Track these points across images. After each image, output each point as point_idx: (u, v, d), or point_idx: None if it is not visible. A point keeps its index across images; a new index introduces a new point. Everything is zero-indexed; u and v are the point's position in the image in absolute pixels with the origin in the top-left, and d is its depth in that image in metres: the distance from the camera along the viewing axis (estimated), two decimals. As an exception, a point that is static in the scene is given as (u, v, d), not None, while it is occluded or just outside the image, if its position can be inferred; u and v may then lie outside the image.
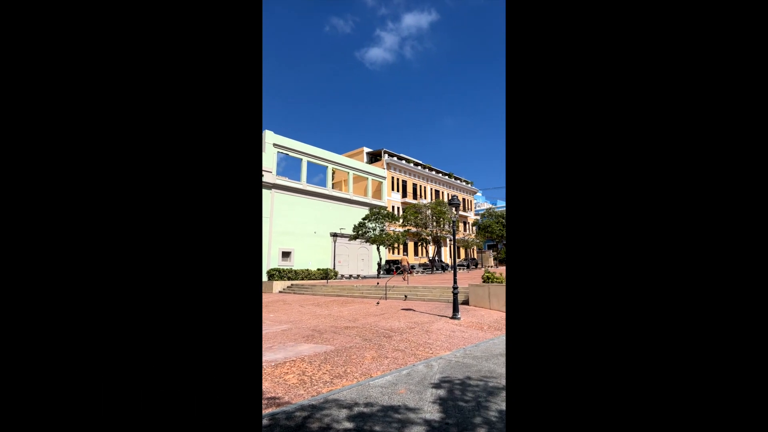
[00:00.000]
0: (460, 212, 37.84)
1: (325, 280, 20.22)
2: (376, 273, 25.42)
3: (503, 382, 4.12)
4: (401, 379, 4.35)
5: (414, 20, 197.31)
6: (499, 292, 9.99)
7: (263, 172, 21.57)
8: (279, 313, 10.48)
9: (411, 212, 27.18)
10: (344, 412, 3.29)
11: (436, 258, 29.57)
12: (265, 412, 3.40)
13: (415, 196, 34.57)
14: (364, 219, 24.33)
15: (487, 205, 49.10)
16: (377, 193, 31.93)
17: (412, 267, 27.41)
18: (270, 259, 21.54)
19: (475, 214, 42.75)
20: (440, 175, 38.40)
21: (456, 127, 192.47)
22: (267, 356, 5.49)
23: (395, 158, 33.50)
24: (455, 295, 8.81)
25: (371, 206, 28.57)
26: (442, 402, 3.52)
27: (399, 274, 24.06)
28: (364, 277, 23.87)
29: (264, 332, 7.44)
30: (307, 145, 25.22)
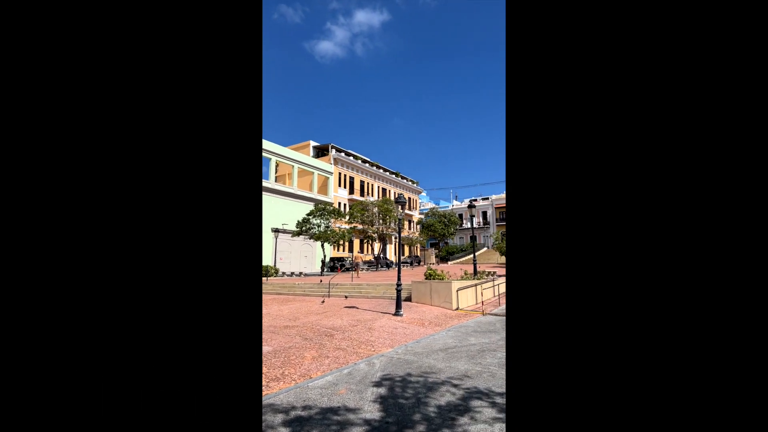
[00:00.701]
0: (406, 211, 38.68)
1: (264, 278, 19.30)
2: (319, 270, 24.89)
3: (442, 377, 4.21)
4: (342, 378, 4.24)
5: (366, 17, 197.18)
6: (440, 288, 10.33)
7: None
8: (212, 313, 9.71)
9: (358, 209, 27.07)
10: (280, 417, 3.10)
11: (382, 255, 29.85)
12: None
13: (362, 193, 34.54)
14: (308, 215, 23.67)
15: (431, 205, 50.80)
16: (323, 189, 31.30)
17: (357, 264, 27.38)
18: (204, 255, 19.93)
19: (420, 213, 44.02)
20: (387, 173, 38.86)
21: (405, 128, 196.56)
22: (195, 361, 5.01)
23: (343, 154, 33.12)
24: (398, 292, 8.91)
25: (317, 202, 27.92)
26: (382, 400, 3.48)
27: (344, 271, 23.86)
28: (307, 275, 23.28)
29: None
30: (249, 134, 23.78)
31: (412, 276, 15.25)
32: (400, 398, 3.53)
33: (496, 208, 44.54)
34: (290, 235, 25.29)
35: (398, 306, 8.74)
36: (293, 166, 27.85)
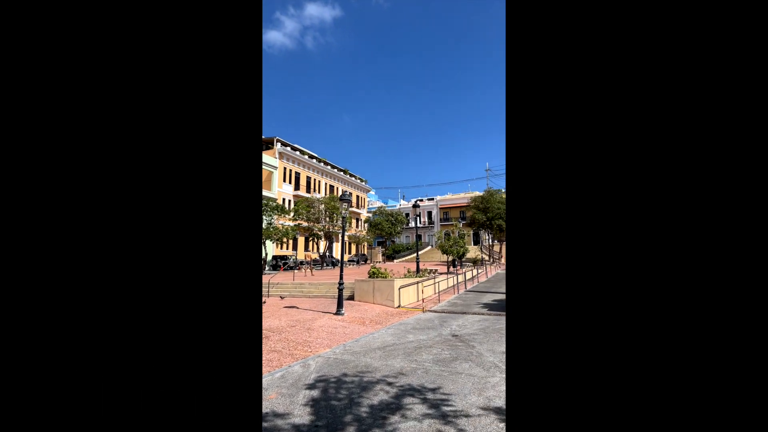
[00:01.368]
0: (354, 209, 38.52)
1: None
2: (261, 269, 23.78)
3: (377, 375, 4.21)
4: (274, 382, 4.05)
5: (317, 11, 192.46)
6: (383, 286, 10.42)
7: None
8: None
9: (303, 206, 26.33)
10: (198, 430, 2.84)
11: (328, 254, 29.41)
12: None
13: (308, 190, 33.65)
14: (250, 210, 22.44)
15: (379, 204, 51.13)
16: (267, 184, 29.95)
17: (301, 263, 26.63)
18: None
19: (368, 212, 44.13)
20: (335, 170, 38.34)
21: (354, 127, 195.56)
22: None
23: (289, 148, 31.97)
24: (340, 290, 8.80)
25: (260, 197, 26.59)
26: (314, 403, 3.38)
27: (287, 269, 23.09)
28: (248, 273, 22.05)
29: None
30: (184, 121, 21.92)
31: (357, 274, 15.19)
32: (332, 400, 3.45)
33: (440, 208, 46.26)
34: (229, 231, 23.79)
35: (339, 305, 8.63)
36: (234, 158, 26.22)
